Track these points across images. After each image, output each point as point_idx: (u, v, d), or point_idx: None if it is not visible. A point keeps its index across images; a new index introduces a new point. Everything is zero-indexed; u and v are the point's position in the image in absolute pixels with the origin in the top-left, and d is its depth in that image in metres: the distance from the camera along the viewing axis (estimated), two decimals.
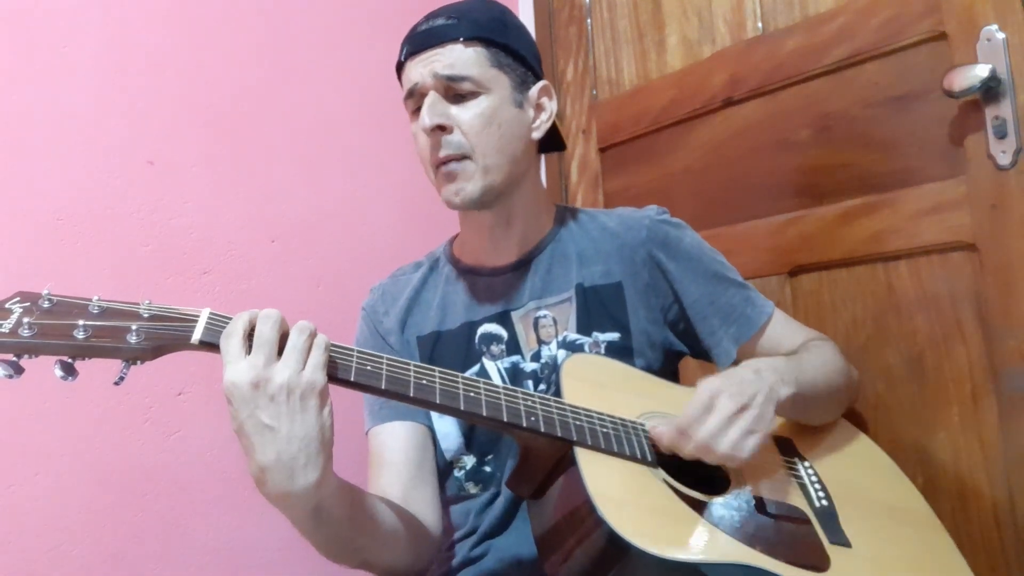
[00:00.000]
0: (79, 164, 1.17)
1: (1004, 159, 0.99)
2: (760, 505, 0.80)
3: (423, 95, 0.90)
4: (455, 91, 0.90)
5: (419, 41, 0.91)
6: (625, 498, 0.73)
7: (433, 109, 0.89)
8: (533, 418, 0.75)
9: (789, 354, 0.95)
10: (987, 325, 1.02)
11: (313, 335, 0.68)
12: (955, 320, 1.06)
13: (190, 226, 1.27)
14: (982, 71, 0.98)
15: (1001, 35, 0.99)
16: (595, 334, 0.96)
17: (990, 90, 1.00)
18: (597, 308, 0.97)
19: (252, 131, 1.36)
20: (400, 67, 0.95)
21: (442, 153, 0.91)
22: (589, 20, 1.64)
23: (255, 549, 1.27)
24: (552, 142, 1.05)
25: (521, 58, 0.94)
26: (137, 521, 1.16)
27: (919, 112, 1.10)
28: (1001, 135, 0.99)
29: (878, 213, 1.13)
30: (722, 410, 0.76)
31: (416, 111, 0.92)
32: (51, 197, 1.14)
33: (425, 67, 0.90)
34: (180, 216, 1.26)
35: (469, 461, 0.97)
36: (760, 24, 1.31)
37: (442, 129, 0.90)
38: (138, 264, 1.21)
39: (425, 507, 0.94)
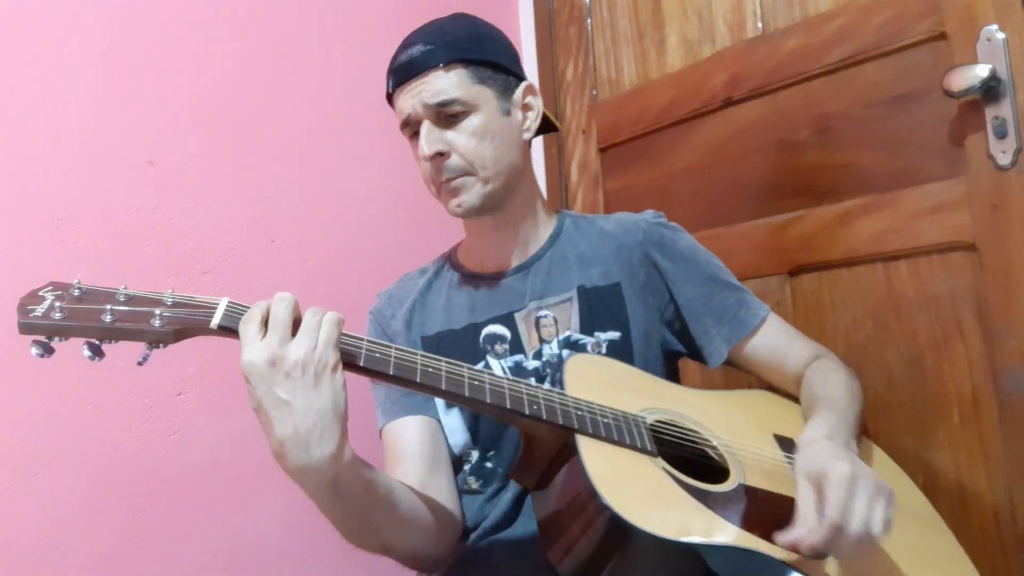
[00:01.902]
0: (79, 164, 1.17)
1: (1004, 159, 1.00)
2: (760, 495, 0.81)
3: (418, 123, 0.96)
4: (446, 114, 0.94)
5: (402, 73, 0.96)
6: (627, 483, 0.74)
7: (429, 137, 0.94)
8: (535, 406, 0.77)
9: (821, 394, 0.93)
10: (987, 325, 1.02)
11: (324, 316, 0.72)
12: (955, 320, 1.06)
13: (190, 226, 1.27)
14: (982, 71, 0.98)
15: (1001, 35, 0.99)
16: (597, 333, 0.99)
17: (990, 90, 1.00)
18: (598, 308, 1.00)
19: (252, 131, 1.36)
20: (390, 97, 1.00)
21: (444, 177, 0.96)
22: (589, 20, 1.64)
23: (255, 549, 1.27)
24: (543, 126, 1.08)
25: (500, 67, 0.98)
26: (137, 521, 1.16)
27: (919, 112, 1.10)
28: (1001, 135, 0.99)
29: (878, 213, 1.13)
30: (865, 490, 0.71)
31: (413, 135, 0.98)
32: (51, 197, 1.14)
33: (413, 98, 0.95)
34: (180, 216, 1.26)
35: (474, 456, 0.99)
36: (760, 24, 1.31)
37: (441, 155, 0.95)
38: (138, 264, 1.21)
39: (443, 496, 0.95)
